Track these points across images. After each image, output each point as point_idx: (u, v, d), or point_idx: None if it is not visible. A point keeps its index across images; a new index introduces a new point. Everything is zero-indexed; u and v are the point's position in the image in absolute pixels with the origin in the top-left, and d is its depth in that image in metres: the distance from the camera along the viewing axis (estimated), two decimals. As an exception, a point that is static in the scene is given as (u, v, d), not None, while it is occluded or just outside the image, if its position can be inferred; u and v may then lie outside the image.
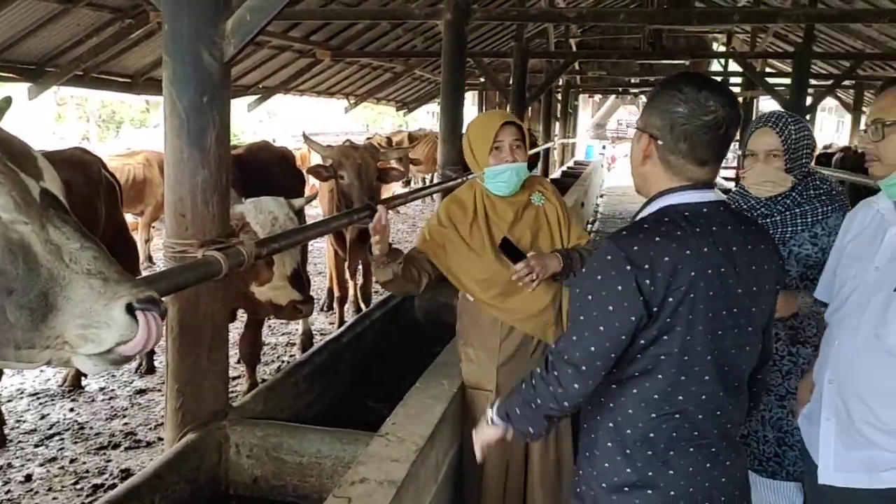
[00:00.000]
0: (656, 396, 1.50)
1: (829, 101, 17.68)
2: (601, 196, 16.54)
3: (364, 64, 13.04)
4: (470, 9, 6.23)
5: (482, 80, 15.18)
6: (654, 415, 1.50)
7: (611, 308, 1.44)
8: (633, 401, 1.51)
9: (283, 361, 5.36)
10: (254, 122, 25.32)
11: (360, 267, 5.61)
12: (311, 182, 11.52)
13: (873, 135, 1.73)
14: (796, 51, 9.58)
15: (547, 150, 13.63)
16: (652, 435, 1.51)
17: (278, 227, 3.33)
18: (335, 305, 5.69)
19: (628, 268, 1.42)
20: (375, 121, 36.81)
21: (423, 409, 2.35)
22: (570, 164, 17.72)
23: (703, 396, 1.51)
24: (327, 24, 9.70)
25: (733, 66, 17.07)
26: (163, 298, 2.38)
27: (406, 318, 4.84)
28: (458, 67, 6.23)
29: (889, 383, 1.67)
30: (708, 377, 1.50)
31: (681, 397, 1.50)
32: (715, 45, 18.83)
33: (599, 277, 1.46)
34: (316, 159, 6.94)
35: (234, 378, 4.85)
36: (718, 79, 18.01)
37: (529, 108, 12.95)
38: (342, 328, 3.96)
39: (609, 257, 1.45)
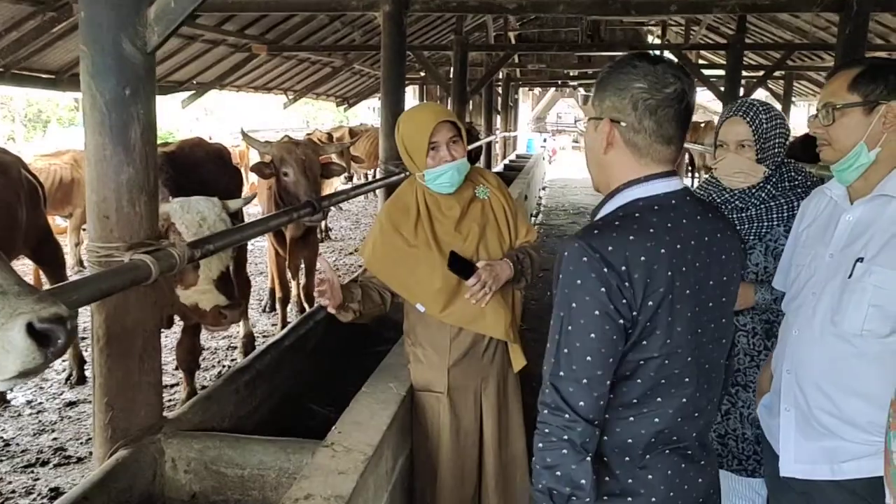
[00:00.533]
0: (635, 401, 1.42)
1: (760, 92, 18.12)
2: (543, 188, 16.64)
3: (302, 59, 12.77)
4: (409, 0, 6.10)
5: (422, 73, 15.07)
6: (631, 419, 1.42)
7: (597, 312, 1.34)
8: (611, 407, 1.42)
9: (223, 366, 5.17)
10: (190, 119, 24.69)
11: (303, 266, 5.44)
12: (252, 180, 11.26)
13: (824, 119, 1.70)
14: (730, 42, 9.75)
15: (489, 144, 13.59)
16: (630, 441, 1.43)
17: (206, 229, 3.16)
18: (277, 306, 5.51)
19: (605, 269, 1.33)
20: (315, 117, 36.36)
21: (370, 414, 2.24)
22: (512, 157, 17.77)
23: (684, 399, 1.44)
24: (263, 18, 9.44)
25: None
26: (87, 306, 2.26)
27: (351, 317, 4.71)
28: (399, 60, 6.10)
29: (846, 371, 1.65)
30: (688, 378, 1.43)
31: (659, 399, 1.42)
32: (650, 38, 19.11)
33: (579, 282, 1.35)
34: (255, 156, 6.73)
35: (173, 386, 4.65)
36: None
37: (470, 102, 12.90)
38: (285, 330, 3.82)
39: (585, 259, 1.35)
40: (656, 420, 1.42)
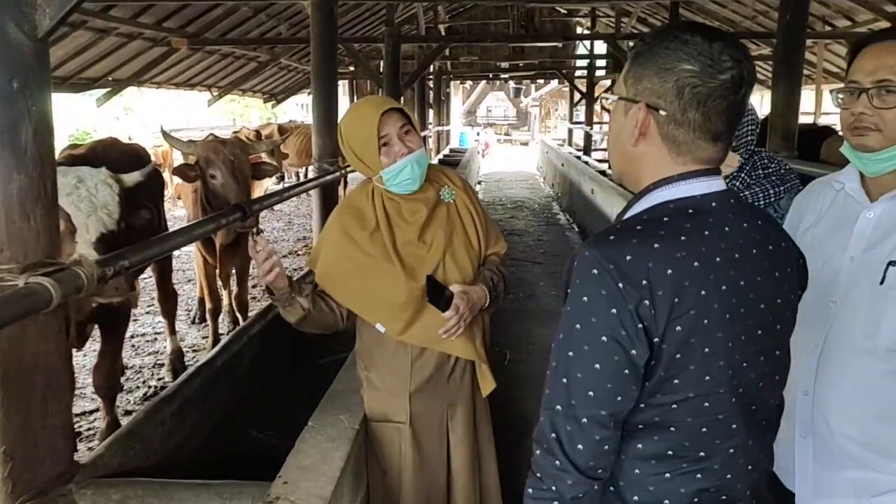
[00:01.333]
0: (669, 453, 1.14)
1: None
2: (479, 183, 16.48)
3: (226, 53, 12.22)
4: (338, -12, 5.76)
5: (352, 68, 14.68)
6: (667, 475, 1.15)
7: (604, 338, 1.08)
8: (640, 460, 1.15)
9: (150, 387, 4.74)
10: (109, 119, 23.55)
11: (234, 274, 5.05)
12: (177, 182, 10.68)
13: (877, 100, 1.42)
14: (663, 31, 9.69)
15: (423, 139, 13.32)
16: (667, 502, 1.16)
17: (84, 191, 2.89)
18: (208, 318, 5.11)
19: (620, 285, 1.07)
20: (242, 114, 35.37)
21: (320, 457, 1.93)
22: (446, 151, 17.55)
23: (731, 450, 1.16)
24: (182, 9, 8.92)
25: (597, 51, 17.51)
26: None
27: (288, 330, 4.37)
28: (330, 53, 5.75)
29: (878, 393, 1.42)
30: (735, 425, 1.15)
31: (703, 453, 1.15)
32: (579, 30, 19.18)
33: (585, 299, 1.09)
34: (180, 157, 6.27)
35: (91, 412, 4.22)
36: (585, 62, 18.55)
37: (402, 97, 12.58)
38: (217, 349, 3.47)
39: (595, 271, 1.09)
40: (699, 476, 1.15)
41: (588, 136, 17.74)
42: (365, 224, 2.01)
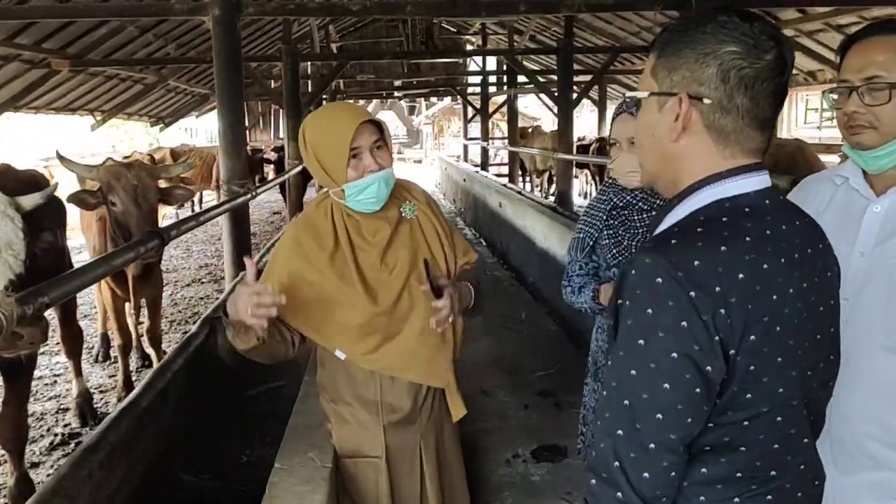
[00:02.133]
0: (739, 475, 1.05)
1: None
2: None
3: (111, 75, 11.61)
4: (241, 3, 5.54)
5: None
6: (736, 499, 1.05)
7: (675, 355, 0.97)
8: (705, 485, 1.05)
9: (56, 435, 4.32)
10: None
11: (145, 305, 4.71)
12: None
13: (870, 97, 1.41)
14: (559, 46, 9.95)
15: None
16: None
17: None
18: (117, 355, 4.75)
19: (692, 293, 0.96)
20: (122, 139, 33.81)
21: (297, 502, 1.76)
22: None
23: (802, 466, 1.09)
24: (63, 28, 8.38)
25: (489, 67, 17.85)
26: None
27: (211, 361, 4.11)
28: (234, 69, 5.50)
29: None
30: (806, 439, 1.09)
31: (774, 472, 1.05)
32: (469, 47, 19.48)
33: (650, 311, 0.99)
34: (68, 183, 5.81)
35: (-7, 467, 3.81)
36: (478, 79, 18.83)
37: (303, 116, 12.33)
38: (140, 388, 3.18)
39: (659, 280, 0.98)
40: (769, 498, 1.06)
41: (485, 151, 17.97)
42: (323, 244, 1.85)
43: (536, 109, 29.86)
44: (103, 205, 4.04)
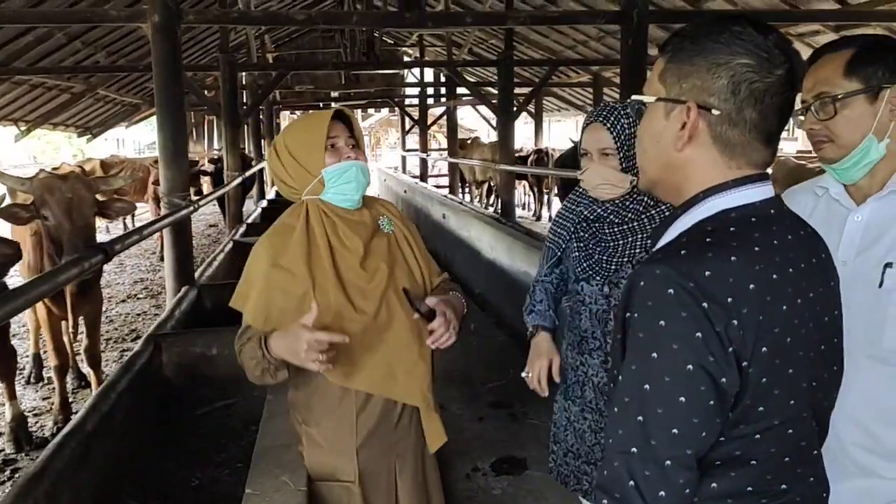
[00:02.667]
0: (749, 489, 1.03)
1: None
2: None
3: (36, 83, 11.17)
4: (180, 10, 5.39)
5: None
6: None
7: (690, 367, 0.95)
8: (714, 500, 1.03)
9: (-13, 462, 4.09)
10: None
11: (83, 323, 4.50)
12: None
13: (820, 112, 1.46)
14: (499, 58, 10.04)
15: (261, 171, 12.83)
16: None
17: None
18: (53, 376, 4.52)
19: (705, 304, 0.95)
20: (44, 151, 32.63)
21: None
22: (282, 182, 17.07)
23: (812, 478, 1.08)
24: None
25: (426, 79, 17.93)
26: None
27: (157, 380, 3.96)
28: (174, 78, 5.34)
29: (887, 398, 1.43)
30: (816, 451, 1.08)
31: (784, 486, 1.04)
32: (406, 59, 19.52)
33: (663, 323, 0.97)
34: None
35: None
36: (416, 90, 18.88)
37: (242, 127, 12.09)
38: (84, 411, 3.03)
39: (670, 291, 0.96)
40: None
41: (424, 163, 17.99)
42: (298, 249, 1.77)
43: (472, 121, 30.13)
44: (37, 219, 3.86)
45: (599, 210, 2.02)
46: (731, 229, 1.02)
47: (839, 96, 1.44)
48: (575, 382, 2.07)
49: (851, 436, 1.46)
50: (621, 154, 1.93)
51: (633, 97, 1.13)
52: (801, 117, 1.52)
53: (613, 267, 1.95)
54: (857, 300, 1.42)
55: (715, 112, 1.04)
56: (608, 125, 1.94)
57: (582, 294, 2.02)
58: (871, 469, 1.45)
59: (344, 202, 1.80)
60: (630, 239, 1.96)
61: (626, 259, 1.95)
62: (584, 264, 2.01)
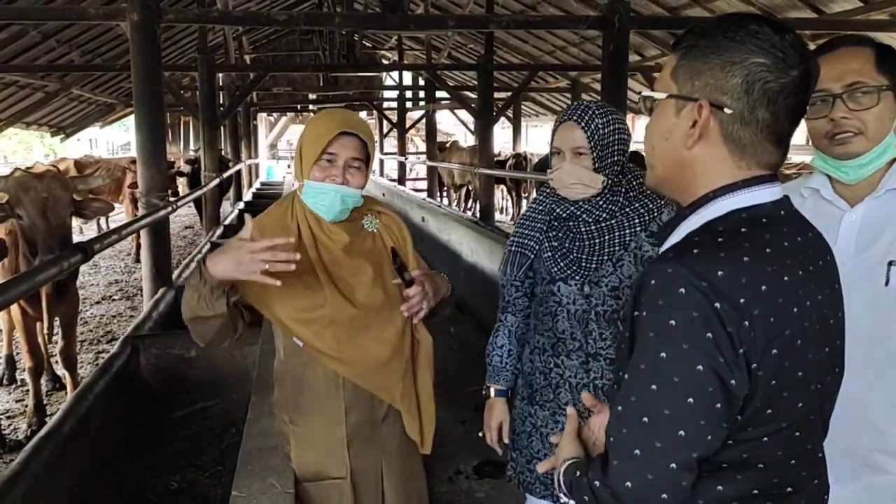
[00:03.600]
0: (756, 492, 1.02)
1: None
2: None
3: (9, 82, 10.98)
4: (160, 8, 5.34)
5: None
6: None
7: (700, 368, 0.94)
8: (720, 502, 1.02)
9: (-42, 466, 4.00)
10: None
11: (59, 324, 4.42)
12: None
13: (852, 103, 1.43)
14: (479, 62, 10.07)
15: (239, 172, 12.75)
16: None
17: None
18: (27, 378, 4.44)
19: (717, 304, 0.94)
20: (16, 151, 32.08)
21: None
22: (258, 185, 16.99)
23: (816, 481, 1.08)
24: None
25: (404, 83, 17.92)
26: None
27: (134, 383, 3.91)
28: (153, 78, 5.29)
29: (894, 394, 1.43)
30: (821, 454, 1.08)
31: (790, 489, 1.04)
32: (385, 62, 19.50)
33: (673, 323, 0.95)
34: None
35: None
36: (394, 93, 18.86)
37: (220, 128, 11.99)
38: (61, 414, 2.98)
39: (682, 290, 0.95)
40: None
41: (402, 166, 17.96)
42: (286, 232, 1.77)
43: (450, 125, 30.14)
44: (11, 218, 3.79)
45: (573, 208, 1.98)
46: (743, 230, 1.01)
47: (883, 87, 1.42)
48: (545, 386, 2.01)
49: (860, 437, 1.46)
50: (594, 154, 1.89)
51: (644, 93, 1.13)
52: (826, 104, 1.48)
53: (593, 265, 1.91)
54: (860, 299, 1.42)
55: (727, 111, 1.02)
56: (582, 124, 1.90)
57: (559, 295, 1.96)
58: (882, 468, 1.46)
59: (320, 213, 1.79)
60: (607, 237, 1.93)
61: (605, 257, 1.92)
62: (562, 263, 1.95)
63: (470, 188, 15.38)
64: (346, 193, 1.76)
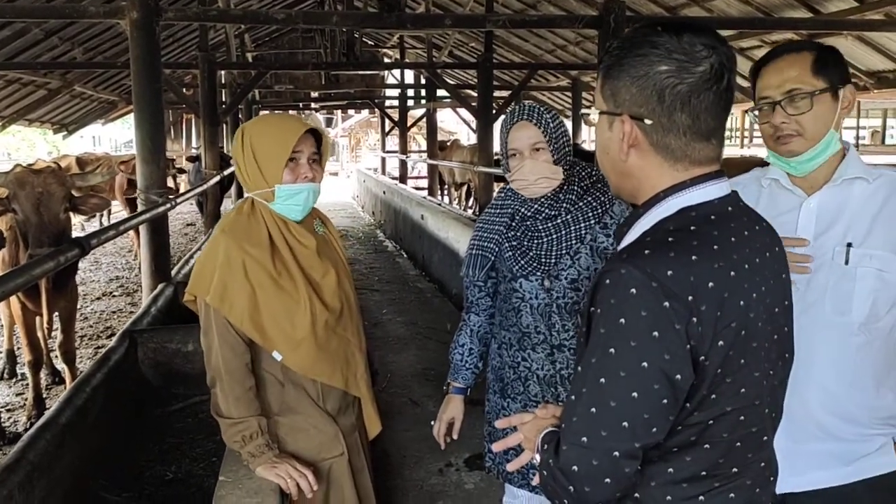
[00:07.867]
0: (703, 473, 1.09)
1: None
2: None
3: (11, 79, 11.05)
4: (159, 7, 5.39)
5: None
6: (701, 497, 1.09)
7: (645, 364, 1.00)
8: (672, 484, 1.09)
9: (-42, 457, 4.07)
10: None
11: (58, 319, 4.48)
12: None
13: (795, 107, 1.55)
14: (479, 61, 10.11)
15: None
16: None
17: None
18: (27, 372, 4.50)
19: (666, 304, 1.00)
20: (19, 147, 32.19)
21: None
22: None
23: (762, 463, 1.14)
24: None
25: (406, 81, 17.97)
26: None
27: (132, 376, 3.96)
28: (153, 76, 5.34)
29: (852, 363, 1.55)
30: (766, 437, 1.14)
31: (736, 469, 1.10)
32: (386, 60, 19.53)
33: (623, 321, 1.01)
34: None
35: None
36: (395, 92, 18.90)
37: (221, 126, 12.05)
38: (59, 405, 3.03)
39: (633, 290, 1.01)
40: (732, 496, 1.10)
41: (403, 164, 18.01)
42: (261, 244, 1.83)
43: (452, 124, 30.20)
44: (9, 212, 3.86)
45: (536, 205, 2.05)
46: (692, 228, 1.07)
47: (816, 92, 1.54)
48: (515, 379, 2.09)
49: (820, 401, 1.57)
50: (552, 147, 1.99)
51: (582, 111, 1.20)
52: (756, 113, 1.63)
53: (553, 260, 1.99)
54: (823, 277, 1.56)
55: (647, 121, 1.09)
56: (535, 121, 1.99)
57: (521, 291, 2.03)
58: (836, 433, 1.57)
59: (287, 214, 1.87)
60: (564, 232, 2.01)
61: (563, 251, 2.00)
62: (522, 261, 2.03)
63: (471, 186, 15.43)
64: (315, 189, 1.87)
